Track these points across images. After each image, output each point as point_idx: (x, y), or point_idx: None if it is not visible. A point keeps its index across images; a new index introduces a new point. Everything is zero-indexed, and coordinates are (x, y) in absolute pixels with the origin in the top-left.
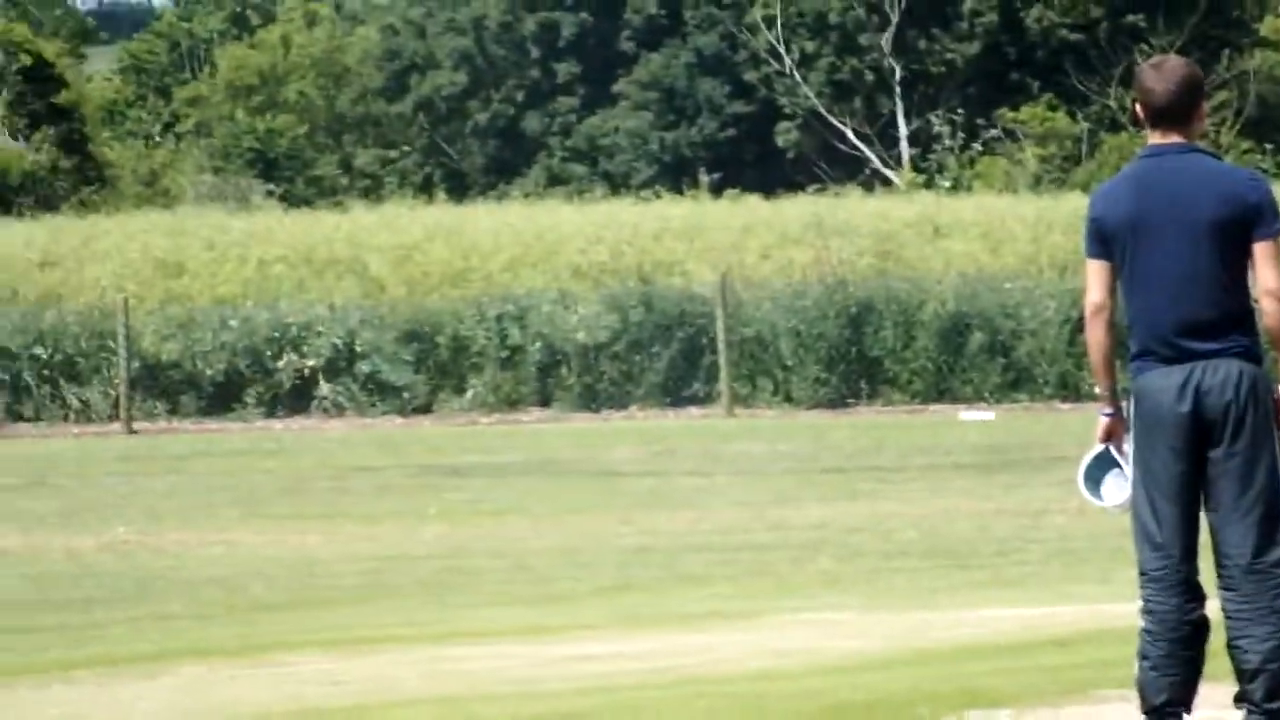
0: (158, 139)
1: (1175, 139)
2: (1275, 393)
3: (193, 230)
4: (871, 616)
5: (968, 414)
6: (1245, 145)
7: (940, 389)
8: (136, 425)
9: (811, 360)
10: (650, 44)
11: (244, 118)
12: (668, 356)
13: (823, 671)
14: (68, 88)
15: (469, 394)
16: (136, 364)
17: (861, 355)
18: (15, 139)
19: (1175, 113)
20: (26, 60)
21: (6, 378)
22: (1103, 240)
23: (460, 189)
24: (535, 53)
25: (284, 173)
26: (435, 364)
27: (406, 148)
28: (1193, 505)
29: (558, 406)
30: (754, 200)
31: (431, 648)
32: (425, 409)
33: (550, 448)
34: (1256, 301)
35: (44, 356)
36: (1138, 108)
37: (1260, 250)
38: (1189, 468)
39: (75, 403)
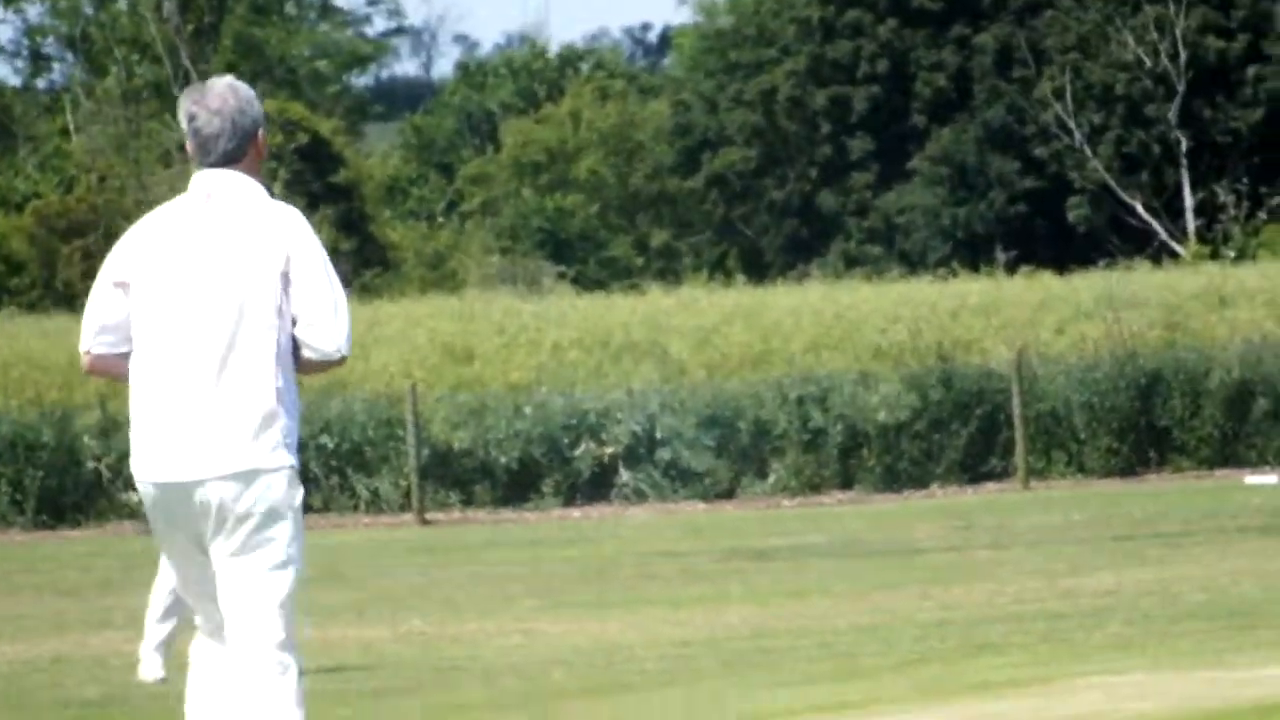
0: (441, 219)
1: None
2: None
3: (482, 314)
4: (1159, 678)
5: (1253, 478)
6: None
7: (1226, 455)
8: (429, 515)
9: (1103, 431)
10: (940, 118)
11: (532, 196)
12: (966, 434)
13: None
14: (346, 166)
15: (771, 478)
16: (427, 453)
17: (1151, 425)
18: None
19: None
20: (303, 138)
21: None
22: None
23: (758, 267)
24: (826, 128)
25: (576, 253)
26: (736, 448)
27: (701, 226)
28: None
29: (859, 488)
30: (1048, 276)
31: None
32: (728, 494)
33: (851, 529)
34: None
35: (331, 446)
36: None
37: None
38: None
39: (365, 493)
